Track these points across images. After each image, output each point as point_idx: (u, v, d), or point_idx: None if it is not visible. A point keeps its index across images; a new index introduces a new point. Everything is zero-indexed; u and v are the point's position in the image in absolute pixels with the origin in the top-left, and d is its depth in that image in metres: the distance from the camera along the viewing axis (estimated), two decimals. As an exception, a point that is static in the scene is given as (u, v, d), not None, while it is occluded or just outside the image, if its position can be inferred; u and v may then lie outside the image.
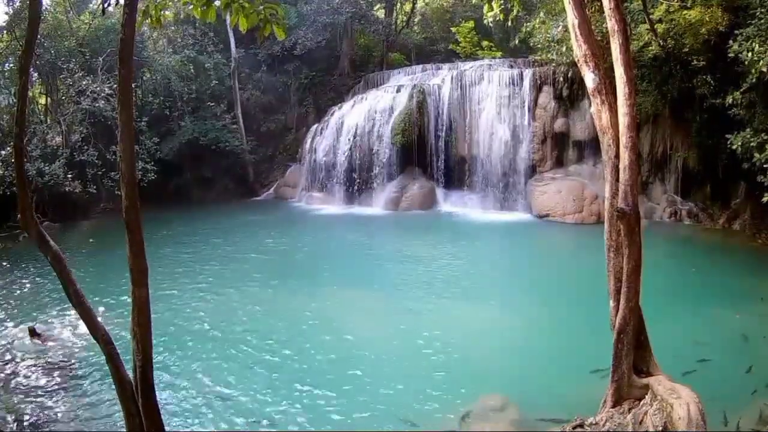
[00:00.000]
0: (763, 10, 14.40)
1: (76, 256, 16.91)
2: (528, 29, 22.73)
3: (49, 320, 11.32)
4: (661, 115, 20.48)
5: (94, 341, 5.38)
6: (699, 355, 8.64)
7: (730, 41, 14.77)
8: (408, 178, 25.03)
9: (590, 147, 22.34)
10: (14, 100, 18.77)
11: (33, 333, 10.22)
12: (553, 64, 22.67)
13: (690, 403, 5.28)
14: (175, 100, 27.96)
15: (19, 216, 5.36)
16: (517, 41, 24.86)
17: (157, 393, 5.25)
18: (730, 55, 14.65)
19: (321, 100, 31.27)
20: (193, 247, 18.00)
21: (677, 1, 16.56)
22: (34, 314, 11.74)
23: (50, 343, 10.09)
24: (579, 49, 6.50)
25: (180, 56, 27.84)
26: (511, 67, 25.73)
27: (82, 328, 6.28)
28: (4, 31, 22.91)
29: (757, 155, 14.09)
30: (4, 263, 16.32)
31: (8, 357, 9.61)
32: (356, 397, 8.22)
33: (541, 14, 22.11)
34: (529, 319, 11.64)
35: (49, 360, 9.45)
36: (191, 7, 5.05)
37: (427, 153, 25.27)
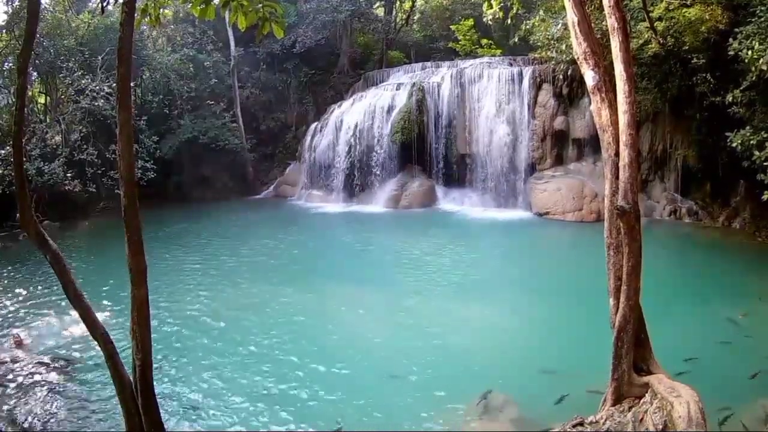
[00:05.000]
0: (763, 8, 14.39)
1: (76, 255, 16.91)
2: (527, 27, 22.70)
3: (49, 319, 11.32)
4: (661, 113, 20.46)
5: (94, 340, 5.38)
6: (700, 354, 8.64)
7: (730, 39, 14.75)
8: (408, 176, 25.04)
9: (590, 145, 22.33)
10: (13, 100, 18.75)
11: (17, 341, 10.14)
12: (553, 62, 22.64)
13: (690, 401, 5.27)
14: (175, 99, 27.93)
15: (18, 215, 5.36)
16: (516, 39, 24.75)
17: (156, 392, 5.25)
18: (730, 53, 14.63)
19: (320, 99, 31.25)
20: (192, 246, 17.99)
21: (677, -1, 16.55)
22: (33, 314, 11.75)
23: (38, 347, 10.03)
24: (579, 46, 6.49)
25: (179, 55, 27.81)
26: (511, 65, 25.70)
27: (82, 327, 6.29)
28: (3, 30, 22.87)
29: (756, 153, 14.08)
30: (4, 262, 16.31)
31: (7, 357, 9.60)
32: (352, 395, 8.22)
33: (541, 12, 22.09)
34: (528, 318, 11.65)
35: (49, 360, 9.45)
36: (190, 5, 5.04)
37: (427, 151, 25.26)
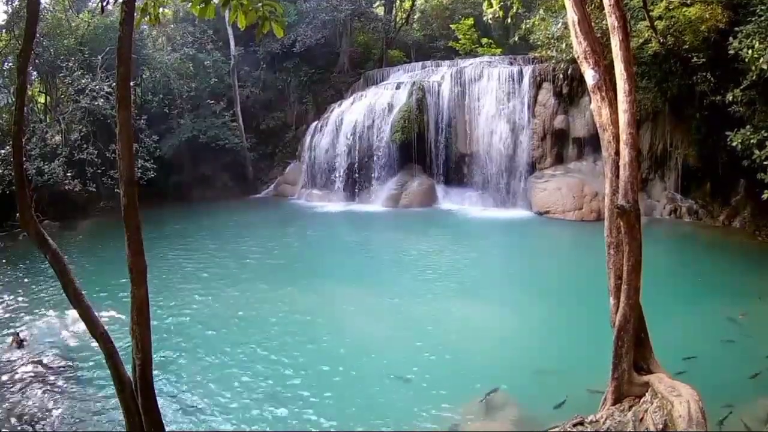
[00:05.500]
0: (763, 7, 14.38)
1: (76, 254, 16.90)
2: (527, 26, 22.69)
3: (49, 319, 11.31)
4: (661, 112, 20.46)
5: (94, 340, 5.38)
6: (700, 353, 8.64)
7: (730, 38, 14.74)
8: (407, 175, 25.02)
9: (590, 144, 22.31)
10: (13, 99, 18.74)
11: (17, 341, 10.11)
12: (553, 61, 22.63)
13: (690, 401, 5.27)
14: (175, 98, 27.91)
15: (18, 215, 5.36)
16: (516, 38, 24.74)
17: (156, 391, 5.25)
18: (730, 52, 14.62)
19: (320, 98, 31.22)
20: (192, 246, 17.99)
21: (677, -2, 16.54)
22: (33, 313, 11.74)
23: (38, 347, 10.01)
24: (579, 45, 6.48)
25: (179, 54, 27.79)
26: (511, 64, 25.69)
27: (82, 326, 6.29)
28: (3, 30, 22.85)
29: (757, 152, 14.08)
30: (4, 262, 16.30)
31: (7, 357, 9.61)
32: (351, 395, 8.23)
33: (541, 11, 22.08)
34: (528, 317, 11.65)
35: (49, 359, 9.45)
36: (189, 4, 5.04)
37: (427, 150, 25.24)
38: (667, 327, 8.82)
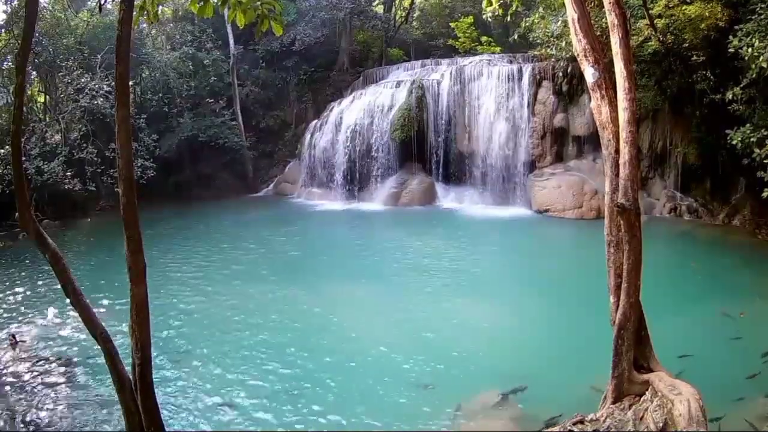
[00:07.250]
0: (762, 5, 14.35)
1: (75, 254, 16.90)
2: (527, 24, 22.67)
3: (48, 319, 11.30)
4: (661, 110, 20.45)
5: (93, 339, 5.37)
6: (700, 352, 8.63)
7: (730, 37, 14.72)
8: (407, 174, 25.01)
9: (590, 142, 22.31)
10: (12, 99, 18.71)
11: (13, 341, 10.09)
12: (553, 60, 22.62)
13: (690, 399, 5.25)
14: (174, 97, 27.92)
15: (17, 214, 5.35)
16: (516, 36, 24.69)
17: (156, 391, 5.24)
18: (729, 50, 14.59)
19: (320, 96, 31.20)
20: (192, 245, 17.97)
21: (677, -4, 16.52)
22: (32, 313, 11.74)
23: (36, 347, 9.99)
24: (579, 44, 6.47)
25: (178, 53, 27.80)
26: (511, 62, 25.66)
27: (81, 326, 6.28)
28: (3, 30, 22.83)
29: (756, 151, 14.06)
30: (3, 262, 16.29)
31: (6, 356, 9.60)
32: (350, 394, 8.22)
33: (540, 9, 22.07)
34: (528, 316, 11.65)
35: (48, 359, 9.44)
36: (188, 3, 5.03)
37: (427, 148, 25.24)
38: (667, 325, 8.81)
